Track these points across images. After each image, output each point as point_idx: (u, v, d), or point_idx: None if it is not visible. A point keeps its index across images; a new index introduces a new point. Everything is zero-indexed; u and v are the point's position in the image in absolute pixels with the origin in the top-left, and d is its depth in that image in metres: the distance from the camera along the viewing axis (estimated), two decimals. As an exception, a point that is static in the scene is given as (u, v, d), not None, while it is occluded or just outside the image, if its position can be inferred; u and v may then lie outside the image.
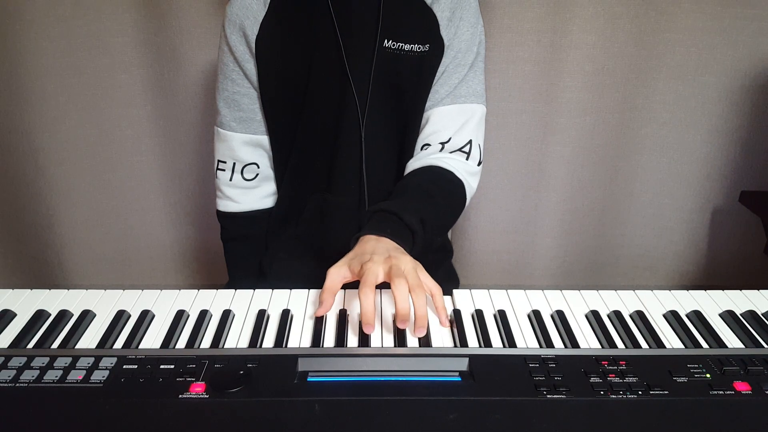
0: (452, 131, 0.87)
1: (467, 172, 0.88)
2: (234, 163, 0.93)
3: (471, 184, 0.89)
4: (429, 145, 0.88)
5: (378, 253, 0.69)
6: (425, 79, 0.87)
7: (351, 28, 0.84)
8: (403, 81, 0.86)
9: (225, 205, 0.96)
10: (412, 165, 0.88)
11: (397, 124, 0.90)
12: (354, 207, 0.92)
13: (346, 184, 0.91)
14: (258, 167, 0.94)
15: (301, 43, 0.85)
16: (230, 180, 0.94)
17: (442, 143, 0.87)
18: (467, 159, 0.88)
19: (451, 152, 0.88)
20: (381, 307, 0.71)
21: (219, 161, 0.94)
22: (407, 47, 0.84)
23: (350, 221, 0.92)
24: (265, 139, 0.93)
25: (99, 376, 0.56)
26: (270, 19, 0.84)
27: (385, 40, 0.84)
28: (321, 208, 0.93)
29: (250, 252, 0.98)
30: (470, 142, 0.88)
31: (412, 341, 0.64)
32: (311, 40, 0.85)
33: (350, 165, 0.90)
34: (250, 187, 0.95)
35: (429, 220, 0.79)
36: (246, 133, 0.91)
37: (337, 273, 0.70)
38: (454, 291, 0.74)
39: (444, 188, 0.86)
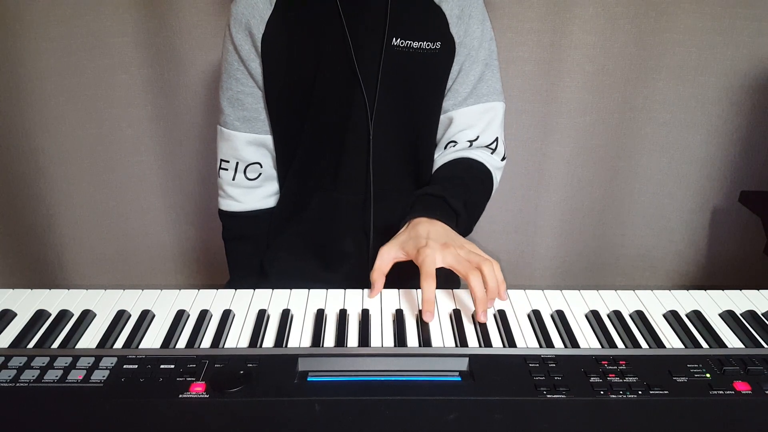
0: (479, 130, 0.90)
1: (493, 166, 0.92)
2: (237, 163, 0.93)
3: (496, 177, 0.93)
4: (456, 142, 0.91)
5: (433, 238, 0.70)
6: (437, 77, 0.88)
7: (359, 26, 0.83)
8: (413, 79, 0.86)
9: (227, 205, 0.96)
10: (442, 159, 0.92)
11: (406, 122, 0.90)
12: (359, 205, 0.92)
13: (352, 182, 0.91)
14: (261, 167, 0.94)
15: (308, 42, 0.84)
16: (233, 179, 0.94)
17: (470, 141, 0.90)
18: (492, 154, 0.93)
19: (477, 148, 0.91)
20: (382, 306, 0.71)
21: (222, 160, 0.93)
22: (416, 45, 0.84)
23: (355, 219, 0.92)
24: (268, 139, 0.92)
25: (99, 375, 0.56)
26: (276, 18, 0.84)
27: (394, 38, 0.83)
28: (325, 206, 0.93)
29: (251, 251, 0.98)
30: (497, 139, 0.92)
31: (412, 341, 0.64)
32: (318, 39, 0.84)
33: (357, 163, 0.89)
34: (253, 186, 0.95)
35: (470, 204, 0.83)
36: (250, 132, 0.91)
37: (388, 252, 0.70)
38: (454, 291, 0.74)
39: (477, 177, 0.89)
